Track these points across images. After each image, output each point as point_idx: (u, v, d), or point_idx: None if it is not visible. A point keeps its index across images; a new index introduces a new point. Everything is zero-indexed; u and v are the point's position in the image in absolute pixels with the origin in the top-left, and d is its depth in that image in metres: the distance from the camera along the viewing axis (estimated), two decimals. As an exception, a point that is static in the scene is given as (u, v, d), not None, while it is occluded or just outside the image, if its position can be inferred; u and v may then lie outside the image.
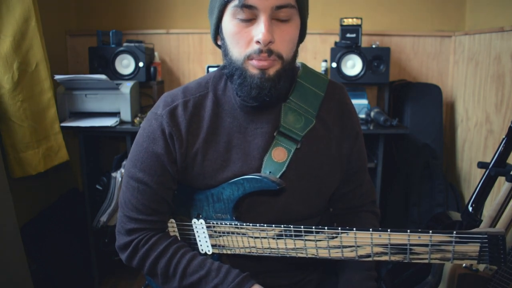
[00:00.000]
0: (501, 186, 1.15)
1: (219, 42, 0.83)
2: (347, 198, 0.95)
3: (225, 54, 0.80)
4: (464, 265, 1.15)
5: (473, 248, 0.70)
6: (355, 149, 0.91)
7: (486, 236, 0.69)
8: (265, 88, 0.76)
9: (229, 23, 0.76)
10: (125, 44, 2.01)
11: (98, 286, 2.03)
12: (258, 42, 0.73)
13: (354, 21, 1.97)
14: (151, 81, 2.03)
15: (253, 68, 0.76)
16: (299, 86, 0.87)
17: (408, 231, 0.72)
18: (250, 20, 0.74)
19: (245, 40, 0.75)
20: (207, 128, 0.84)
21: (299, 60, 0.88)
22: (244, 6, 0.72)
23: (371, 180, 0.99)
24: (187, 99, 0.85)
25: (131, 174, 0.85)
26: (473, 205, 1.20)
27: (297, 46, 0.81)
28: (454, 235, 0.70)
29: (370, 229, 0.74)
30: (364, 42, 2.09)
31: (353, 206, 0.96)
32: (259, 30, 0.73)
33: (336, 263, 0.94)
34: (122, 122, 1.87)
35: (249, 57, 0.75)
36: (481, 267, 1.13)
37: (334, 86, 0.90)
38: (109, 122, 1.82)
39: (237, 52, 0.76)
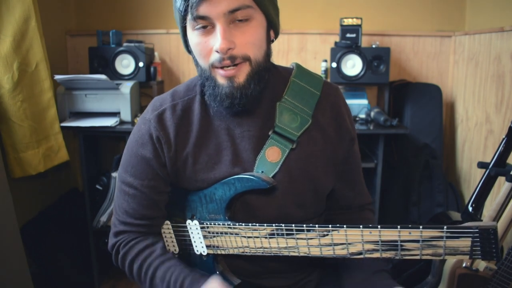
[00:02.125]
0: (501, 186, 1.15)
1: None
2: (340, 201, 0.94)
3: (196, 64, 0.81)
4: (464, 265, 1.15)
5: (464, 243, 0.69)
6: (351, 152, 0.90)
7: (477, 230, 0.68)
8: (236, 97, 0.76)
9: (191, 35, 0.76)
10: (125, 44, 2.01)
11: (98, 286, 2.03)
12: (217, 51, 0.73)
13: (354, 21, 1.97)
14: (151, 81, 2.04)
15: (221, 77, 0.76)
16: (294, 85, 0.86)
17: (399, 226, 0.72)
18: (208, 30, 0.73)
19: (206, 51, 0.75)
20: (196, 131, 0.83)
21: (300, 61, 0.88)
22: (197, 18, 0.72)
23: (364, 184, 0.98)
24: (176, 103, 0.85)
25: (122, 178, 0.86)
26: (473, 205, 1.20)
27: (268, 44, 0.80)
28: (445, 230, 0.69)
29: (361, 226, 0.74)
30: (364, 42, 2.09)
31: (344, 208, 0.95)
32: (216, 39, 0.72)
33: (342, 264, 0.92)
34: (122, 122, 1.87)
35: (213, 66, 0.75)
36: (481, 267, 1.13)
37: (329, 87, 0.89)
38: (109, 122, 1.82)
39: (203, 62, 0.77)
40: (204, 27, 0.73)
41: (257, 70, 0.76)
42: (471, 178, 1.97)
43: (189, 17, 0.73)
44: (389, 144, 2.13)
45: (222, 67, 0.74)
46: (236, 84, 0.75)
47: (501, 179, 1.19)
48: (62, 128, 1.77)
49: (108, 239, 0.91)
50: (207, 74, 0.77)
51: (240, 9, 0.72)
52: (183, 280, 0.80)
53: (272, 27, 0.81)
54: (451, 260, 1.18)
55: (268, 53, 0.80)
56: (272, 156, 0.83)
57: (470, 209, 1.20)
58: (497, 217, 1.12)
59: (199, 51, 0.76)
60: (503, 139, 1.15)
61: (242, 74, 0.75)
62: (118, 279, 2.11)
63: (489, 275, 1.12)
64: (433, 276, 1.26)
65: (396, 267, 1.66)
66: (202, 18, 0.72)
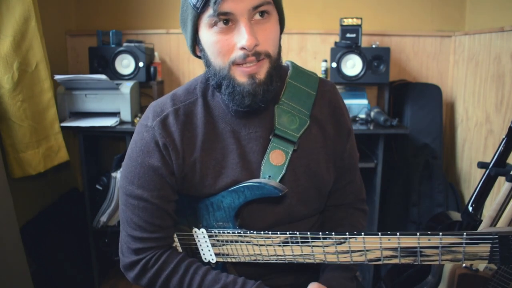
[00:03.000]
0: (501, 186, 1.15)
1: (198, 53, 0.80)
2: (338, 195, 0.95)
3: (208, 65, 0.78)
4: (464, 265, 1.15)
5: (483, 248, 0.70)
6: (348, 146, 0.91)
7: (496, 236, 0.69)
8: (258, 94, 0.74)
9: (206, 34, 0.73)
10: (125, 44, 2.01)
11: (98, 286, 2.03)
12: (243, 48, 0.71)
13: (354, 21, 1.97)
14: (151, 81, 2.03)
15: (241, 75, 0.74)
16: (290, 87, 0.86)
17: (418, 233, 0.71)
18: (229, 26, 0.72)
19: (227, 48, 0.72)
20: (202, 135, 0.81)
21: (300, 61, 0.88)
22: (220, 14, 0.69)
23: (361, 178, 0.98)
24: (177, 107, 0.82)
25: (128, 192, 0.81)
26: (473, 205, 1.20)
27: (280, 39, 0.80)
28: (464, 236, 0.70)
29: (379, 233, 0.73)
30: (364, 42, 2.09)
31: (342, 203, 0.96)
32: (242, 36, 0.70)
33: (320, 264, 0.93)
34: (122, 122, 1.86)
35: (234, 63, 0.73)
36: (481, 267, 1.13)
37: (324, 84, 0.89)
38: (109, 122, 1.82)
39: (221, 61, 0.74)
40: (225, 24, 0.71)
41: (274, 66, 0.76)
42: (471, 178, 1.97)
43: (208, 13, 0.71)
44: (389, 144, 2.13)
45: (244, 64, 0.73)
46: (258, 81, 0.74)
47: (501, 179, 1.19)
48: (62, 128, 1.77)
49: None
50: (224, 73, 0.75)
51: (262, 5, 0.71)
52: (244, 280, 0.80)
53: (281, 22, 0.80)
54: (451, 260, 1.17)
55: (280, 49, 0.80)
56: (277, 159, 0.82)
57: (470, 209, 1.20)
58: (497, 217, 1.12)
59: (219, 48, 0.73)
60: (503, 139, 1.15)
61: (262, 70, 0.74)
62: (118, 279, 2.11)
63: (489, 275, 1.12)
64: (433, 276, 1.26)
65: (396, 267, 1.66)
66: (225, 14, 0.70)
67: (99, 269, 2.02)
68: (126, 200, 0.82)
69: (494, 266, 1.12)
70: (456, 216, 1.56)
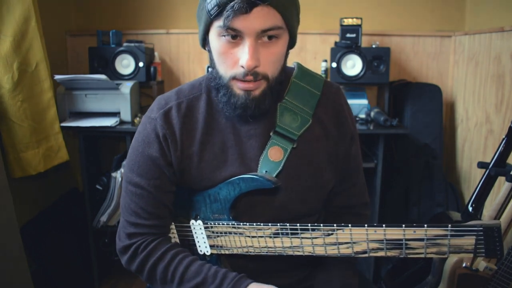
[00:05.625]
0: (501, 186, 1.15)
1: (207, 48, 0.83)
2: (341, 198, 0.95)
3: (212, 66, 0.81)
4: (464, 265, 1.15)
5: (468, 241, 0.70)
6: (351, 150, 0.91)
7: (481, 228, 0.69)
8: (250, 108, 0.78)
9: (214, 40, 0.76)
10: (125, 44, 2.01)
11: (98, 286, 2.03)
12: (243, 66, 0.73)
13: (354, 21, 1.97)
14: (151, 81, 2.03)
15: (238, 88, 0.77)
16: (294, 86, 0.87)
17: (403, 225, 0.73)
18: (236, 41, 0.74)
19: (231, 61, 0.75)
20: (201, 129, 0.84)
21: (300, 61, 0.88)
22: (229, 29, 0.72)
23: (365, 182, 0.99)
24: (181, 101, 0.86)
25: (128, 179, 0.85)
26: (473, 205, 1.20)
27: (286, 57, 0.81)
28: (449, 228, 0.71)
29: (365, 225, 0.75)
30: (364, 42, 2.09)
31: (344, 206, 0.96)
32: (244, 56, 0.73)
33: (319, 262, 0.94)
34: (122, 122, 1.87)
35: (234, 78, 0.76)
36: (481, 267, 1.13)
37: (330, 86, 0.90)
38: (109, 122, 1.82)
39: (223, 70, 0.77)
40: (233, 38, 0.74)
41: (272, 86, 0.78)
42: (471, 178, 1.97)
43: (219, 23, 0.73)
44: (389, 144, 2.13)
45: (242, 80, 0.75)
46: (252, 97, 0.77)
47: (501, 179, 1.19)
48: (62, 128, 1.77)
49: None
50: (225, 82, 0.78)
51: (272, 29, 0.73)
52: (225, 273, 0.80)
53: (292, 42, 0.82)
54: (451, 260, 1.18)
55: (283, 66, 0.81)
56: (275, 155, 0.83)
57: (470, 209, 1.20)
58: (497, 217, 1.12)
59: (223, 59, 0.76)
60: (503, 139, 1.15)
61: (259, 89, 0.77)
62: (118, 279, 2.11)
63: (489, 275, 1.12)
64: (433, 276, 1.26)
65: (396, 267, 1.66)
66: (234, 30, 0.72)
67: (99, 269, 2.02)
68: (126, 187, 0.86)
69: (494, 266, 1.12)
70: (456, 216, 1.55)
